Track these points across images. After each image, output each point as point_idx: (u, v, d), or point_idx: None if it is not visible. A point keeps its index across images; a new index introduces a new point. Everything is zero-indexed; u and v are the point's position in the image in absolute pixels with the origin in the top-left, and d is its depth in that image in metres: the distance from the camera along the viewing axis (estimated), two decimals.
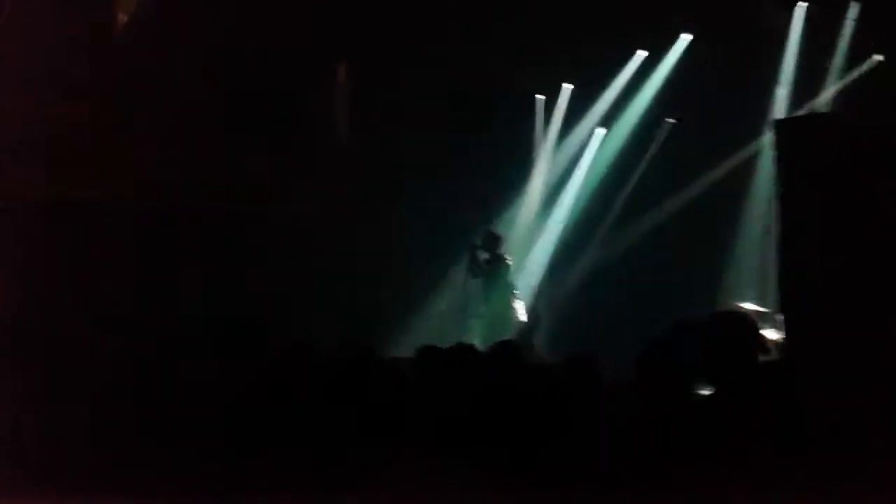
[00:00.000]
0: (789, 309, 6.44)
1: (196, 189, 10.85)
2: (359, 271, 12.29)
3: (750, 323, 4.69)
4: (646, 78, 13.19)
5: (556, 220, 13.89)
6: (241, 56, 11.17)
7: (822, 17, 11.99)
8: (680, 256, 12.43)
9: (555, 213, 13.94)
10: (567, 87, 13.71)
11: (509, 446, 4.44)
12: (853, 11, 11.86)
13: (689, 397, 4.53)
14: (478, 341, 10.25)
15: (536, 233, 13.93)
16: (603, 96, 13.47)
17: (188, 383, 5.14)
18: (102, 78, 10.13)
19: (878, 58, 11.94)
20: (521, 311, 11.31)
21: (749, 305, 10.75)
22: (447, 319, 11.84)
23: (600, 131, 13.81)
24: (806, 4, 12.21)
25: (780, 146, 6.63)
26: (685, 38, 12.80)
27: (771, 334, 9.58)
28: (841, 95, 12.12)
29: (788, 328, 6.45)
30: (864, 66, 12.07)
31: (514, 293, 11.36)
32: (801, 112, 12.08)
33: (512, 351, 5.38)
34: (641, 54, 13.13)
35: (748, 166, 12.75)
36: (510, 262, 11.50)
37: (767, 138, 11.29)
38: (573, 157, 13.99)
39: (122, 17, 10.52)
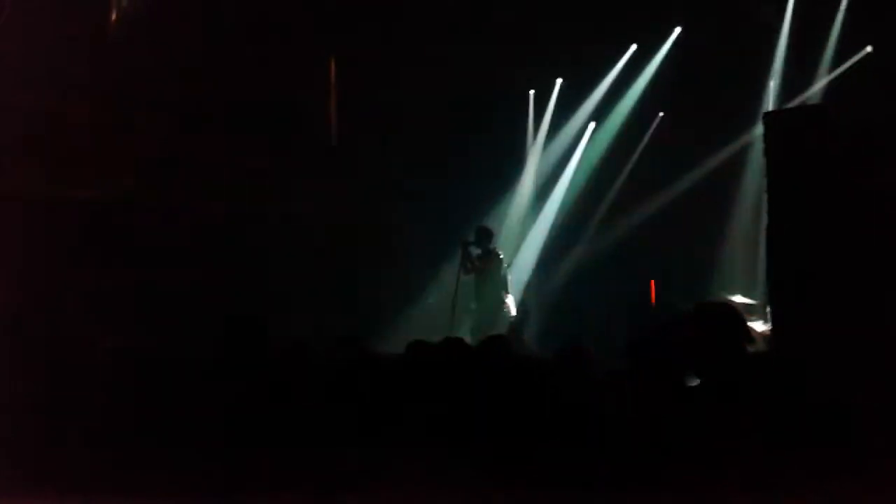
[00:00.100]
0: (777, 301, 6.52)
1: (196, 189, 10.89)
2: (358, 270, 12.34)
3: (735, 313, 4.72)
4: (637, 71, 13.22)
5: (546, 214, 13.95)
6: (240, 57, 11.18)
7: (813, 10, 12.00)
8: (670, 250, 12.48)
9: (545, 208, 14.00)
10: (558, 82, 13.76)
11: (503, 440, 4.47)
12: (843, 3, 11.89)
13: (680, 389, 4.56)
14: (468, 336, 10.31)
15: (527, 227, 13.99)
16: (594, 90, 13.52)
17: (188, 383, 5.17)
18: (102, 78, 10.13)
19: (868, 49, 11.95)
20: (512, 306, 11.34)
21: (738, 298, 10.82)
22: (439, 314, 11.85)
23: (591, 125, 13.85)
24: None
25: (769, 138, 6.68)
26: (676, 32, 12.83)
27: (759, 326, 9.71)
28: (831, 88, 12.12)
29: (776, 320, 6.53)
30: (855, 59, 12.07)
31: (505, 288, 11.37)
32: (791, 104, 12.08)
33: (501, 345, 5.39)
34: (633, 48, 13.17)
35: (739, 159, 12.78)
36: (502, 257, 11.51)
37: (758, 131, 11.32)
38: (564, 152, 14.04)
39: (122, 18, 10.52)
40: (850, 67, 12.09)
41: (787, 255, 6.32)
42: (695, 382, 4.57)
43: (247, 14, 11.02)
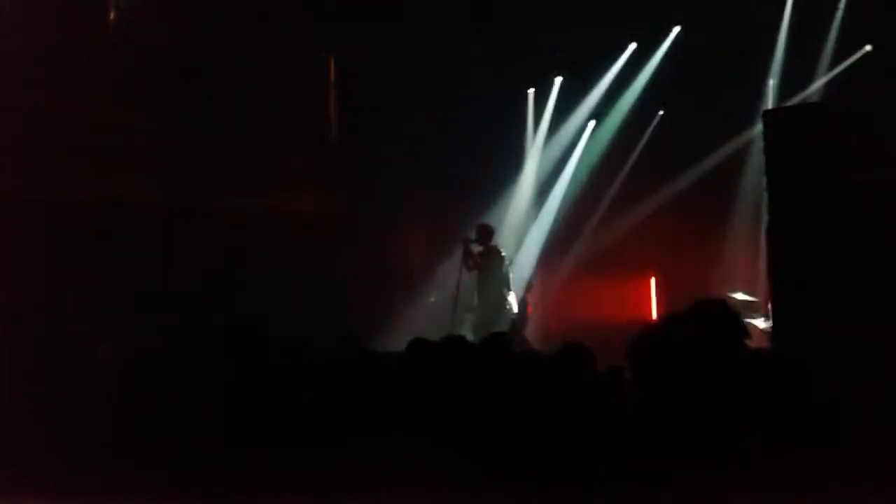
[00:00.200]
0: (778, 298, 6.52)
1: (197, 189, 10.89)
2: (358, 269, 12.34)
3: (732, 311, 4.72)
4: (637, 70, 13.22)
5: (546, 212, 13.95)
6: (240, 56, 11.18)
7: (812, 9, 12.00)
8: (670, 247, 12.48)
9: (546, 206, 14.00)
10: (558, 81, 13.76)
11: (503, 439, 4.48)
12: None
13: (680, 389, 4.56)
14: (469, 334, 10.30)
15: (528, 225, 13.99)
16: (594, 89, 13.52)
17: (188, 383, 5.17)
18: (102, 78, 10.13)
19: (868, 48, 11.95)
20: (513, 304, 11.34)
21: (739, 295, 10.83)
22: (440, 312, 11.85)
23: (591, 123, 13.86)
24: None
25: (769, 137, 6.69)
26: (676, 30, 12.83)
27: (760, 323, 9.72)
28: (830, 86, 12.11)
29: (777, 317, 6.54)
30: (854, 57, 12.07)
31: (507, 286, 11.37)
32: (790, 103, 12.08)
33: (503, 343, 5.38)
34: (632, 46, 13.17)
35: (738, 157, 12.77)
36: (504, 255, 11.51)
37: (757, 129, 11.32)
38: (564, 150, 14.04)
39: (122, 18, 10.52)
40: (850, 66, 12.08)
41: (788, 253, 6.33)
42: (695, 382, 4.56)
43: (247, 14, 11.01)
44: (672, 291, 11.38)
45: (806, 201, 6.32)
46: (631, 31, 13.03)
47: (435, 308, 12.45)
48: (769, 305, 8.06)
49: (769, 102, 12.40)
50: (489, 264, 11.36)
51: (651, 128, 13.57)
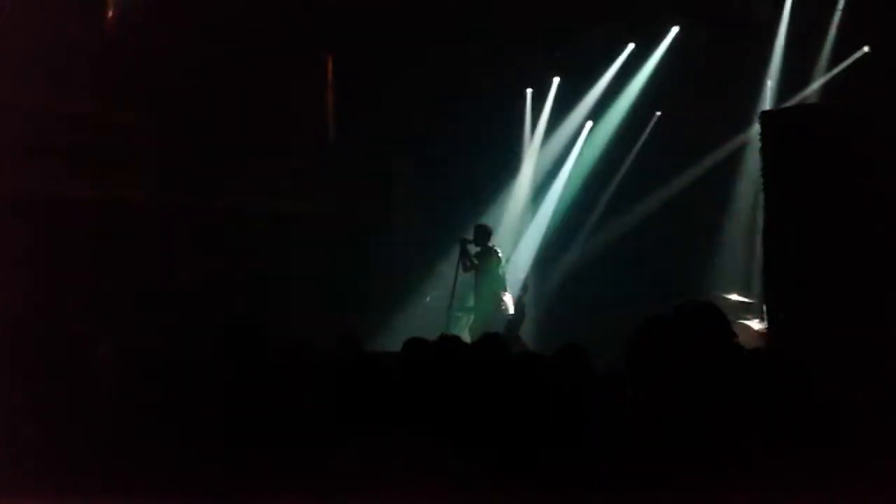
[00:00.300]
0: (774, 299, 6.55)
1: (196, 189, 10.90)
2: (357, 269, 12.36)
3: (716, 312, 4.71)
4: (634, 70, 13.23)
5: (543, 212, 13.96)
6: (240, 56, 11.19)
7: (810, 9, 12.01)
8: (666, 248, 12.49)
9: (543, 206, 14.02)
10: (556, 81, 13.77)
11: (502, 440, 4.47)
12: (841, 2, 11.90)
13: (678, 389, 4.56)
14: (466, 334, 10.31)
15: (524, 226, 14.01)
16: (592, 89, 13.52)
17: (188, 383, 5.18)
18: (102, 78, 10.14)
19: (866, 49, 11.96)
20: (509, 304, 11.35)
21: (735, 296, 10.84)
22: (437, 313, 11.87)
23: (588, 124, 13.87)
24: None
25: (766, 137, 6.71)
26: (674, 31, 12.84)
27: (756, 324, 9.73)
28: (828, 87, 12.12)
29: (772, 318, 6.56)
30: (852, 58, 12.08)
31: (503, 286, 11.38)
32: (788, 104, 12.10)
33: (499, 343, 5.36)
34: (630, 47, 13.18)
35: (736, 158, 12.79)
36: (501, 255, 11.51)
37: (755, 130, 11.33)
38: (562, 150, 14.05)
39: (122, 17, 10.53)
40: (848, 67, 12.09)
41: (784, 254, 6.37)
42: (691, 382, 4.56)
43: (246, 14, 11.01)
44: (668, 293, 11.34)
45: (803, 202, 6.35)
46: (629, 32, 13.03)
47: (433, 308, 12.46)
48: (765, 306, 8.07)
49: (767, 103, 12.39)
50: (485, 265, 11.37)
51: (649, 128, 13.59)
